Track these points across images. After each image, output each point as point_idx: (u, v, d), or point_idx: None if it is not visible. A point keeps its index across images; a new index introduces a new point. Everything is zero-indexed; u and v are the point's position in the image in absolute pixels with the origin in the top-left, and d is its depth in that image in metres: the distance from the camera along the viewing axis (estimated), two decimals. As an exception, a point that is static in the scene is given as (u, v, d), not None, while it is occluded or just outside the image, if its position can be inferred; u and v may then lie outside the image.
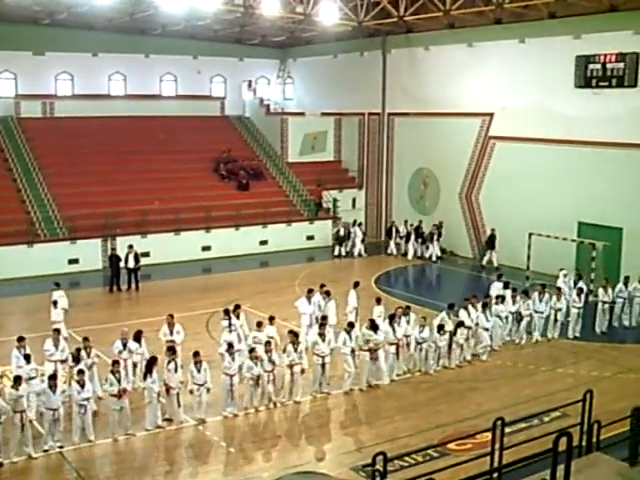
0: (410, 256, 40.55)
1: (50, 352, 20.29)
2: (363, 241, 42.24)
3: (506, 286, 27.76)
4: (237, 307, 23.44)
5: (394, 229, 41.84)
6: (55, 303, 25.37)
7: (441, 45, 40.88)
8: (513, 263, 36.04)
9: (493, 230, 37.73)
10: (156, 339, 21.80)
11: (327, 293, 25.46)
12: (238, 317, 23.07)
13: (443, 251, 40.74)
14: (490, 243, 37.96)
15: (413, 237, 40.84)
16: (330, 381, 21.42)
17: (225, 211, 40.71)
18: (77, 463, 16.89)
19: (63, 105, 45.00)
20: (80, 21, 41.69)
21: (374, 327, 21.70)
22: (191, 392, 19.08)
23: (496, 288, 27.94)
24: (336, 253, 41.80)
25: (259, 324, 22.20)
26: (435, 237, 40.18)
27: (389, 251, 41.67)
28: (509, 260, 36.69)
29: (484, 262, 38.18)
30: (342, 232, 42.38)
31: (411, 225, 41.20)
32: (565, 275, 29.36)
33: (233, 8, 37.26)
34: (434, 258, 39.91)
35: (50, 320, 24.70)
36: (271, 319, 22.65)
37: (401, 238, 41.49)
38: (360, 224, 43.32)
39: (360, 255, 41.54)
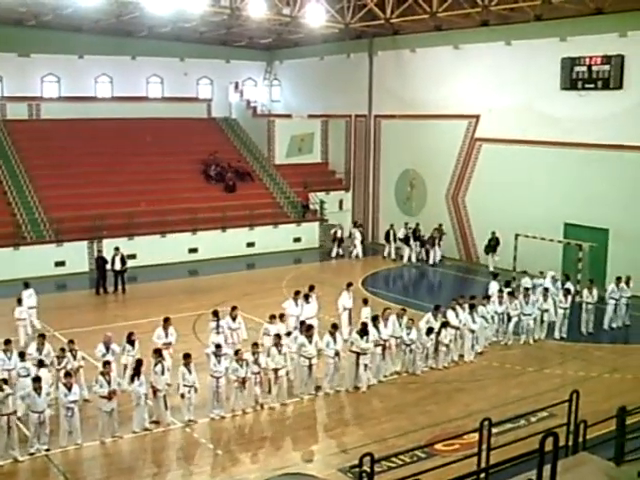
0: (406, 259, 39.97)
1: (33, 356, 20.19)
2: (362, 242, 42.15)
3: (507, 285, 27.92)
4: (234, 308, 23.61)
5: (392, 232, 41.08)
6: (20, 301, 25.61)
7: (428, 47, 40.94)
8: (499, 264, 36.12)
9: (494, 233, 36.88)
10: (143, 341, 21.71)
11: (306, 297, 25.40)
12: (235, 318, 23.29)
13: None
14: (490, 246, 37.22)
15: (412, 240, 40.18)
16: (317, 383, 21.45)
17: (212, 213, 40.65)
18: (64, 466, 16.83)
19: (49, 107, 44.88)
20: (66, 23, 41.58)
21: (364, 332, 21.66)
22: (182, 396, 19.01)
23: (492, 288, 27.99)
24: (333, 254, 41.82)
25: (272, 317, 22.75)
26: (437, 241, 39.59)
27: (386, 254, 41.04)
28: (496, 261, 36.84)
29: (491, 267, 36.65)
30: (339, 233, 42.39)
31: (410, 228, 40.61)
32: (553, 277, 29.38)
33: (219, 10, 37.26)
34: (437, 262, 39.27)
35: (14, 317, 25.20)
36: (281, 316, 23.04)
37: (401, 241, 40.78)
38: (360, 225, 43.32)
39: (358, 257, 41.40)
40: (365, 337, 21.52)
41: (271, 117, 49.85)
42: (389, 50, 43.62)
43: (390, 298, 31.43)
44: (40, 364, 19.01)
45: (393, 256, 40.85)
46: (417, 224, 40.70)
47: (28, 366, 19.12)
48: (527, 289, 27.07)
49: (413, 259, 40.01)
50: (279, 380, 20.45)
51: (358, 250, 41.68)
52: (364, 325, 21.95)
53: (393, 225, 41.34)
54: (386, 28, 40.82)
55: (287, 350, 20.95)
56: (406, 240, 40.39)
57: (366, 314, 24.16)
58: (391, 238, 41.08)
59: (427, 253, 39.93)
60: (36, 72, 44.74)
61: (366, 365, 21.60)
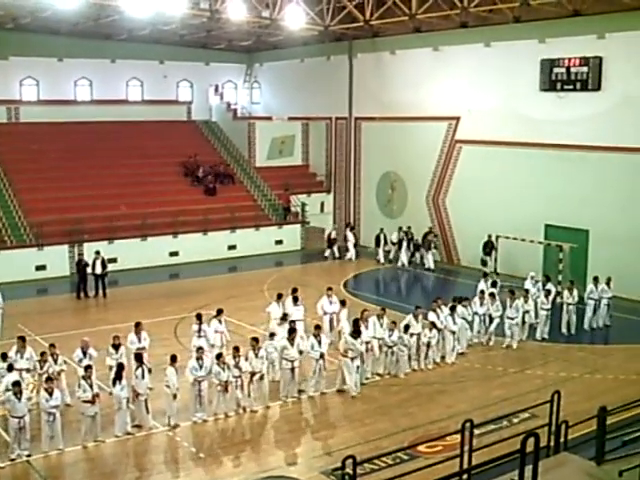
0: (400, 263, 39.46)
1: (13, 359, 20.05)
2: (356, 245, 41.78)
3: (493, 286, 28.15)
4: (220, 312, 23.65)
5: (382, 236, 40.58)
6: None
7: (407, 49, 41.05)
8: (479, 265, 36.18)
9: (490, 236, 36.13)
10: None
11: (295, 299, 25.43)
12: (220, 322, 23.38)
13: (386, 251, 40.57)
14: (486, 249, 36.36)
15: (405, 244, 39.71)
16: (300, 386, 21.47)
17: (192, 216, 40.55)
18: (46, 471, 16.75)
19: (28, 110, 44.69)
20: (45, 26, 41.34)
21: (356, 333, 21.71)
22: (175, 396, 19.01)
23: (480, 287, 28.13)
24: (326, 255, 41.86)
25: (284, 315, 23.30)
26: (433, 245, 39.15)
27: (377, 259, 40.34)
28: (476, 263, 36.84)
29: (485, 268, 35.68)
30: (333, 235, 42.40)
31: (404, 231, 40.04)
32: (533, 277, 29.50)
33: (199, 13, 37.14)
34: (432, 266, 38.58)
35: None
36: (285, 316, 23.43)
37: (394, 244, 40.37)
38: (353, 228, 42.93)
39: (351, 259, 41.12)
40: (359, 338, 21.60)
41: (251, 119, 49.80)
42: (369, 52, 43.69)
43: (372, 300, 31.38)
44: (10, 368, 18.90)
45: (383, 260, 40.31)
46: (409, 227, 40.31)
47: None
48: (512, 292, 27.08)
49: (405, 263, 39.54)
50: (258, 383, 20.36)
51: (351, 252, 41.47)
52: (356, 326, 22.03)
53: (383, 229, 40.84)
54: (365, 30, 40.89)
55: (264, 353, 20.89)
56: (399, 243, 40.08)
57: (344, 316, 24.36)
58: (381, 242, 40.58)
59: (422, 257, 39.50)
60: (15, 75, 44.49)
61: (358, 367, 21.66)
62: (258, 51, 50.93)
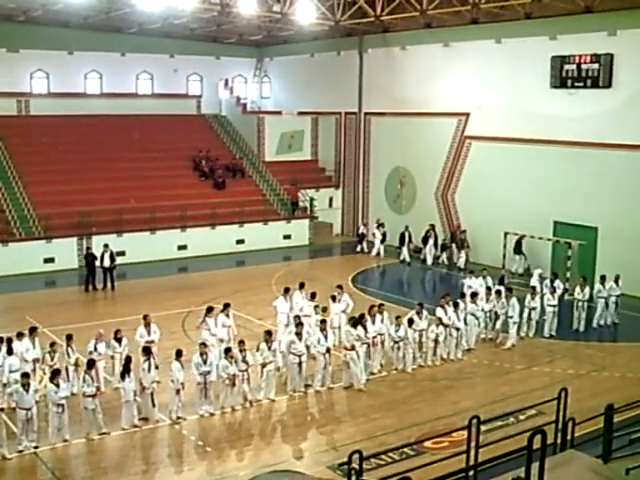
0: (423, 261, 38.98)
1: (25, 352, 20.13)
2: (383, 242, 41.27)
3: (501, 283, 28.43)
4: (226, 306, 23.59)
5: (407, 235, 39.78)
6: None
7: (418, 45, 40.98)
8: (489, 262, 35.94)
9: (522, 237, 35.12)
10: (132, 338, 21.67)
11: (312, 295, 25.29)
12: (228, 316, 23.29)
13: (415, 250, 40.03)
14: (518, 248, 35.61)
15: (432, 242, 39.01)
16: (308, 380, 21.48)
17: (201, 210, 40.60)
18: (52, 463, 16.81)
19: (39, 103, 44.77)
20: (55, 19, 41.49)
21: (357, 324, 21.83)
22: (177, 392, 19.03)
23: (467, 285, 28.19)
24: (358, 250, 42.08)
25: (324, 309, 24.04)
26: (465, 244, 38.20)
27: (401, 257, 39.59)
28: (484, 259, 36.64)
29: (513, 269, 35.42)
30: (362, 230, 42.59)
31: (430, 229, 39.18)
32: (540, 274, 29.46)
33: (210, 7, 37.18)
34: (463, 266, 37.39)
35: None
36: (324, 309, 23.96)
37: (424, 242, 39.39)
38: (382, 225, 41.89)
39: (379, 255, 40.82)
40: (359, 327, 21.77)
41: (261, 114, 49.81)
42: (379, 47, 43.63)
43: (379, 295, 31.38)
44: (9, 352, 19.13)
45: (408, 259, 39.38)
46: (431, 225, 39.61)
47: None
48: (510, 290, 27.02)
49: (428, 260, 38.98)
50: (268, 374, 20.42)
51: (378, 248, 41.11)
52: (355, 319, 22.14)
53: (408, 227, 40.05)
54: (376, 25, 40.86)
55: (277, 346, 20.97)
56: (424, 240, 39.39)
57: (336, 310, 24.73)
58: (406, 240, 39.73)
59: (451, 257, 38.85)
60: (25, 68, 44.57)
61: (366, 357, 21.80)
62: (268, 45, 50.95)
